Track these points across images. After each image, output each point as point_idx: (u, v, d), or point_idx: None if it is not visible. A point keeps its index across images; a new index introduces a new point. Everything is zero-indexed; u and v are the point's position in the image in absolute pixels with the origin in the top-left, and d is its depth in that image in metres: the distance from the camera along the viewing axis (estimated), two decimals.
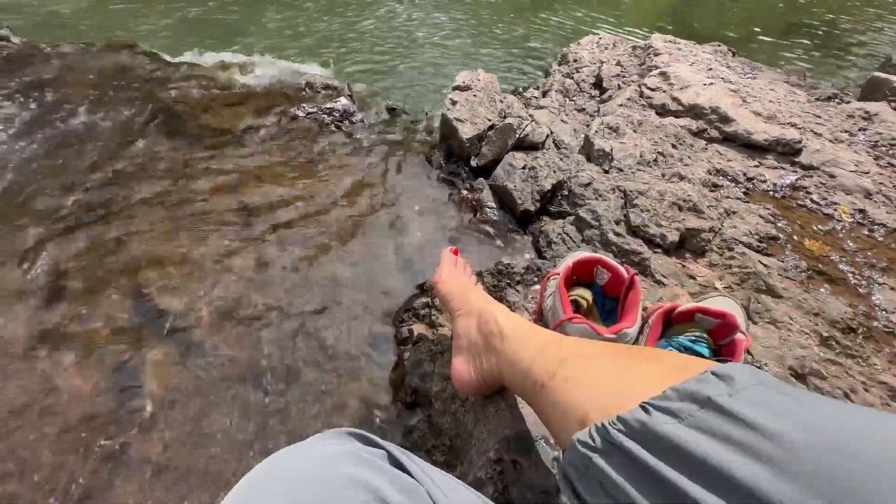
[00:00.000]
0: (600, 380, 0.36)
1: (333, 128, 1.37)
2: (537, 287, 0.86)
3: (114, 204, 1.07)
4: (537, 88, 1.77)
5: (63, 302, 0.87)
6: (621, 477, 0.28)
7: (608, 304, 0.63)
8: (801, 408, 0.25)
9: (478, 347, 0.54)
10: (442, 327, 0.82)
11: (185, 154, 1.24)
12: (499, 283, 0.85)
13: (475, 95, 1.32)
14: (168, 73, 1.55)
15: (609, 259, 0.61)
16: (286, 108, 1.40)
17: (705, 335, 0.56)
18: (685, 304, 0.58)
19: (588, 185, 1.06)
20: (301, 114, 1.38)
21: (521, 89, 1.90)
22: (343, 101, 1.46)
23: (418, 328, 0.82)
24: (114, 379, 0.77)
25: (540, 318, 0.67)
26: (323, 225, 1.07)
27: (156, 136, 1.29)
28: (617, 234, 0.95)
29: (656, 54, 1.65)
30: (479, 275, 0.87)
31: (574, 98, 1.66)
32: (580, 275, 0.63)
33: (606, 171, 1.12)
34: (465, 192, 1.15)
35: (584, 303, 0.61)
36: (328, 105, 1.43)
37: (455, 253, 0.78)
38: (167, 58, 1.73)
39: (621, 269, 0.59)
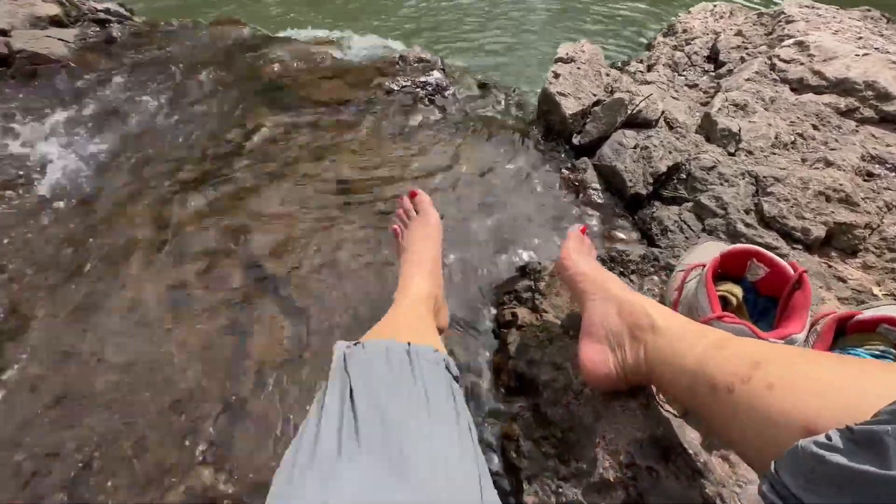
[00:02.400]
0: (825, 388, 0.32)
1: (427, 102, 1.34)
2: (654, 278, 0.79)
3: (225, 172, 1.13)
4: (641, 62, 1.62)
5: (184, 261, 0.94)
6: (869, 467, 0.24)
7: (761, 304, 0.55)
8: None
9: (620, 338, 0.49)
10: (546, 313, 0.78)
11: (287, 126, 1.28)
12: (611, 270, 0.79)
13: (579, 68, 1.23)
14: (270, 48, 1.61)
15: (767, 252, 0.53)
16: (381, 82, 1.40)
17: (893, 350, 0.47)
18: (865, 311, 0.49)
19: (712, 168, 0.95)
20: (395, 87, 1.37)
21: (620, 63, 1.76)
22: (436, 75, 1.43)
23: (522, 312, 0.78)
24: (226, 335, 0.82)
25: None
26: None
27: (261, 108, 1.34)
28: (747, 225, 0.84)
29: (789, 21, 1.44)
30: None
31: (684, 72, 1.50)
32: (728, 268, 0.56)
33: (732, 154, 1.00)
34: (566, 172, 1.09)
35: (733, 300, 0.54)
36: (422, 79, 1.40)
37: (583, 232, 0.73)
38: (268, 33, 1.79)
39: (785, 264, 0.51)
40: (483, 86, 1.52)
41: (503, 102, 1.43)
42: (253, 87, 1.42)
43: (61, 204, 1.07)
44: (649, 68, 1.53)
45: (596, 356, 0.51)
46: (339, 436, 0.33)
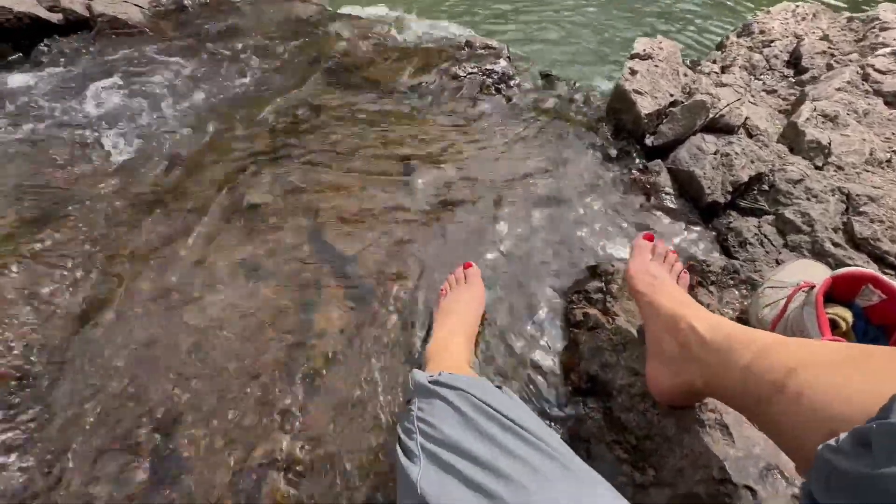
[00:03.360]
0: (851, 393, 0.32)
1: (494, 90, 1.32)
2: (735, 291, 0.77)
3: (294, 147, 1.15)
4: (714, 62, 1.55)
5: (254, 231, 0.96)
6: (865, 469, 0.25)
7: (871, 332, 0.53)
8: None
9: (672, 356, 0.51)
10: (617, 317, 0.77)
11: (351, 105, 1.28)
12: (689, 280, 0.77)
13: (656, 66, 1.18)
14: (334, 25, 1.61)
15: (887, 279, 0.51)
16: (447, 67, 1.38)
17: None
18: None
19: (799, 181, 0.91)
20: (462, 73, 1.36)
21: (689, 62, 1.69)
22: (502, 64, 1.40)
23: (593, 313, 0.77)
24: (295, 306, 0.84)
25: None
26: (480, 189, 1.05)
27: (325, 87, 1.35)
28: (835, 245, 0.81)
29: (884, 29, 1.36)
30: None
31: (762, 77, 1.43)
32: (838, 291, 0.54)
33: (819, 168, 0.95)
34: (637, 174, 1.06)
35: (842, 324, 0.52)
36: (488, 66, 1.38)
37: (649, 239, 0.71)
38: (331, 9, 1.79)
39: None
40: (547, 77, 1.49)
41: (567, 96, 1.39)
42: (319, 65, 1.43)
43: (136, 166, 1.10)
44: (723, 69, 1.47)
45: (654, 372, 0.54)
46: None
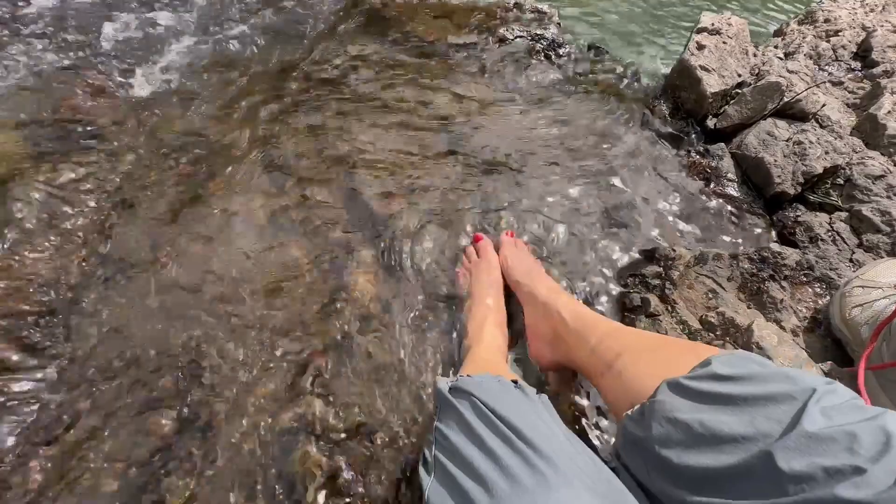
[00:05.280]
0: (648, 374, 0.43)
1: (542, 57, 1.24)
2: (808, 289, 0.71)
3: (328, 98, 1.07)
4: (775, 47, 1.46)
5: (286, 183, 0.90)
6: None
7: None
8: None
9: (547, 337, 0.64)
10: (676, 304, 0.72)
11: (390, 60, 1.20)
12: (759, 272, 0.72)
13: (725, 42, 1.10)
14: None
15: None
16: (494, 28, 1.29)
17: None
18: None
19: (880, 177, 0.84)
20: (510, 35, 1.27)
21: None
22: (553, 30, 1.31)
23: (653, 299, 0.72)
24: (326, 266, 0.78)
25: (876, 338, 0.53)
26: (523, 159, 0.98)
27: (365, 37, 1.26)
28: None
29: None
30: (735, 258, 0.74)
31: (827, 67, 1.34)
32: None
33: None
34: (696, 157, 0.99)
35: None
36: (537, 31, 1.29)
37: (511, 235, 0.81)
38: None
39: None
40: (596, 49, 1.39)
41: (619, 70, 1.31)
42: (357, 14, 1.33)
43: (162, 103, 1.03)
44: (787, 56, 1.37)
45: (539, 351, 0.66)
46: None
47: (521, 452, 0.35)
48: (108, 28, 1.17)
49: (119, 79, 1.07)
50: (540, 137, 1.04)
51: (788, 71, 1.25)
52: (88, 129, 0.95)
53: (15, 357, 0.65)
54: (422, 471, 0.42)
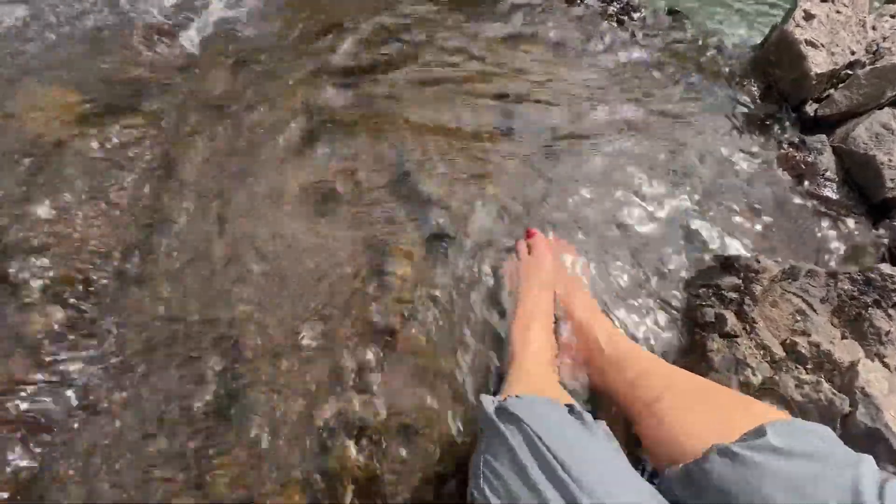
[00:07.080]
0: (691, 429, 0.42)
1: (616, 21, 1.10)
2: None
3: (380, 67, 0.99)
4: (892, 17, 1.24)
5: (331, 159, 0.85)
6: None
7: None
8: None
9: (579, 359, 0.60)
10: (756, 324, 0.63)
11: (448, 24, 1.09)
12: (862, 295, 0.62)
13: (839, 12, 0.93)
14: None
15: None
16: None
17: None
18: None
19: None
20: None
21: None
22: None
23: (729, 316, 0.64)
24: (368, 251, 0.74)
25: None
26: (586, 141, 0.89)
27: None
28: None
29: None
30: (833, 276, 0.64)
31: None
32: None
33: None
34: (788, 148, 0.86)
35: None
36: None
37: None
38: None
39: None
40: (676, 13, 1.23)
41: (701, 40, 1.15)
42: None
43: (208, 64, 0.98)
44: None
45: (573, 373, 0.60)
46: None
47: (568, 492, 0.34)
48: None
49: (167, 37, 1.02)
50: (605, 116, 0.93)
51: None
52: (145, 88, 0.92)
53: (64, 324, 0.65)
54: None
